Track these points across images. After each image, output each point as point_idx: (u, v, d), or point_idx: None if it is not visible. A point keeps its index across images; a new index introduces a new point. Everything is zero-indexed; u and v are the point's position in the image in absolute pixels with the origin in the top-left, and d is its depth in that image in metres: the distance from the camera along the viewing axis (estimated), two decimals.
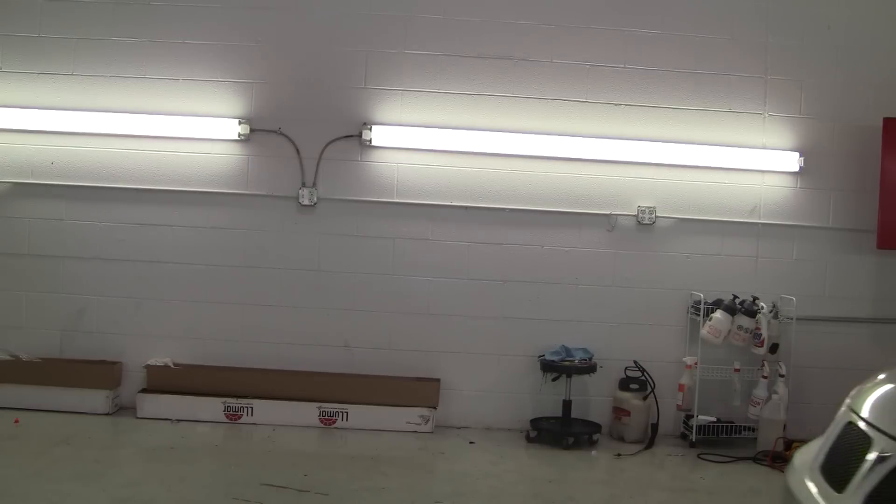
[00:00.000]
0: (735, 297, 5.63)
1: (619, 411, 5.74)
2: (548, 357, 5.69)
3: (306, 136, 5.80)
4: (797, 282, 5.85)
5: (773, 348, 5.60)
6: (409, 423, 5.61)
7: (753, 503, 4.68)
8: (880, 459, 2.33)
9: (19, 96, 5.76)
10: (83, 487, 4.14)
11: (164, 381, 5.66)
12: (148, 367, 5.70)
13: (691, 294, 5.83)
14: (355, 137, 5.81)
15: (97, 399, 5.55)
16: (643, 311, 5.89)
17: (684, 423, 5.78)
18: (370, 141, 5.78)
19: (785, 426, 5.46)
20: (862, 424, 2.59)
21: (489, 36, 5.84)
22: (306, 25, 5.83)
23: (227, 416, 5.56)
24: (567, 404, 5.67)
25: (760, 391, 5.60)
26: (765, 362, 5.62)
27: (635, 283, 5.90)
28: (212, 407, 5.56)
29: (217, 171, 5.82)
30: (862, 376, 2.99)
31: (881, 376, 2.94)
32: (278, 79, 5.83)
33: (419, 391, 5.71)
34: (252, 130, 5.77)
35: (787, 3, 5.93)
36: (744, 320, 5.55)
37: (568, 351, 5.71)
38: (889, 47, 5.93)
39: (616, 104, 5.87)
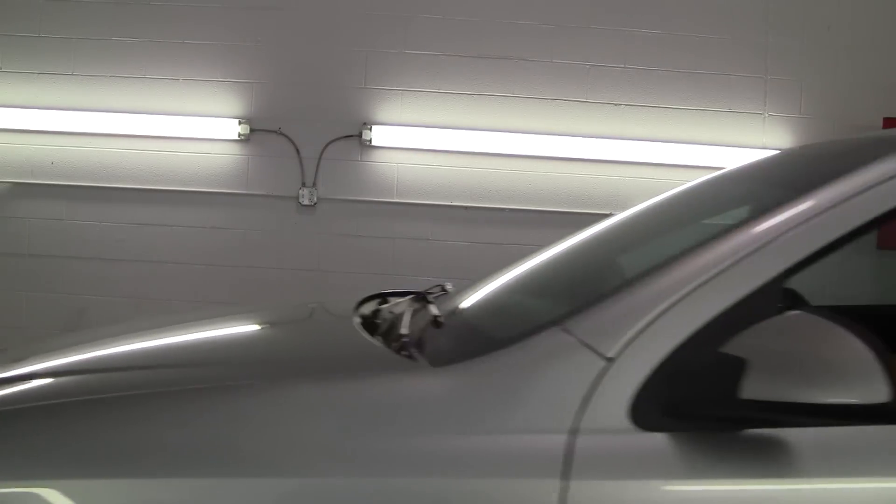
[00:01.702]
0: None
1: None
2: None
3: (306, 136, 5.80)
4: (797, 282, 5.84)
5: None
6: None
7: None
8: None
9: (19, 96, 5.76)
10: None
11: None
12: None
13: None
14: (355, 137, 5.81)
15: None
16: None
17: None
18: (370, 141, 5.78)
19: None
20: None
21: (489, 36, 5.84)
22: (306, 25, 5.83)
23: None
24: None
25: None
26: None
27: None
28: None
29: (217, 171, 5.82)
30: None
31: None
32: (278, 79, 5.83)
33: None
34: (252, 130, 5.77)
35: (787, 3, 5.94)
36: None
37: None
38: (889, 47, 5.93)
39: (616, 104, 5.87)
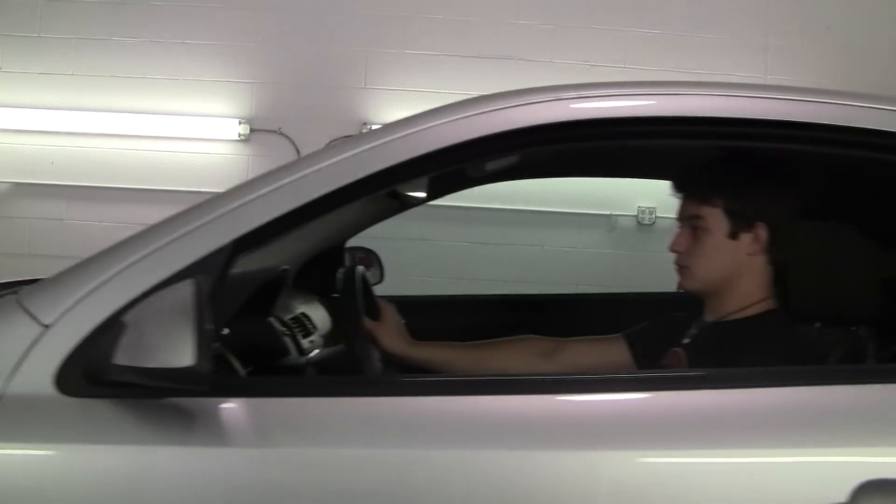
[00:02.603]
0: None
1: None
2: None
3: (306, 136, 5.80)
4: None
5: None
6: None
7: None
8: None
9: (19, 96, 5.76)
10: None
11: None
12: None
13: None
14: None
15: None
16: None
17: None
18: None
19: None
20: None
21: (489, 36, 5.84)
22: (306, 25, 5.84)
23: None
24: None
25: None
26: None
27: (635, 283, 5.88)
28: None
29: (217, 171, 5.82)
30: None
31: None
32: (278, 79, 5.83)
33: None
34: (252, 130, 5.77)
35: (787, 3, 5.94)
36: None
37: None
38: (889, 47, 5.94)
39: None
